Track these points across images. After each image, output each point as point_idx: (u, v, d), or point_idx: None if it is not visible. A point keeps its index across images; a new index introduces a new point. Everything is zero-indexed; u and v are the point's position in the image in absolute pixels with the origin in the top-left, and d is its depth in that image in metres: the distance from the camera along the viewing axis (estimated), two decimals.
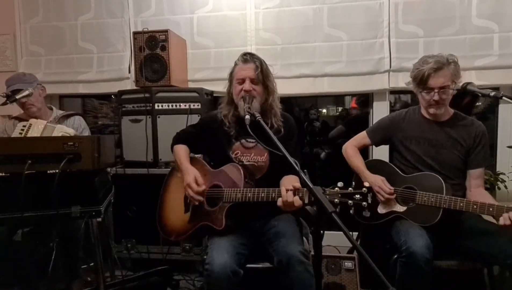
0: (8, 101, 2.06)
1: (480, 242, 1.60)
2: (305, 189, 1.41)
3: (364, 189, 1.33)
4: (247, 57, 1.70)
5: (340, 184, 1.37)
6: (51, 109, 2.33)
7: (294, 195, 1.44)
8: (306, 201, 1.41)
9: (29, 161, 1.54)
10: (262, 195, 1.54)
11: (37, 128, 1.99)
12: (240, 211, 1.61)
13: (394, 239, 1.67)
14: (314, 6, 2.63)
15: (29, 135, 1.97)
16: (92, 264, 1.99)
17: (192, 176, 1.63)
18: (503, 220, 1.48)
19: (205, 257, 1.55)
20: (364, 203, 1.32)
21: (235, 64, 1.73)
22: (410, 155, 1.82)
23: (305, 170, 1.31)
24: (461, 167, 1.77)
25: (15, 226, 1.79)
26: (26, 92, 2.11)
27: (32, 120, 2.05)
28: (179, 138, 1.84)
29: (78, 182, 1.59)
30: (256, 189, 1.56)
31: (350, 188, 1.35)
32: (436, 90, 1.67)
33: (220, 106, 1.81)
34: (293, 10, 2.66)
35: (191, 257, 2.39)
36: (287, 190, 1.45)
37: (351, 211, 1.36)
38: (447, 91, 1.68)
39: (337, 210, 1.32)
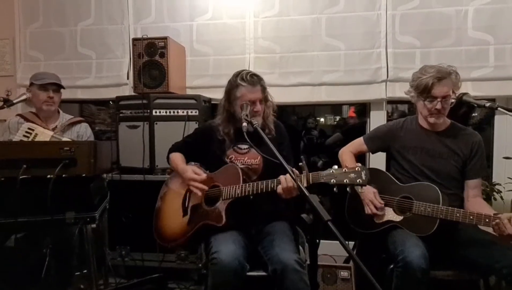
0: (5, 106, 2.05)
1: (476, 252, 1.59)
2: (302, 174, 1.42)
3: (357, 168, 1.38)
4: (255, 79, 1.70)
5: (334, 167, 1.42)
6: (58, 112, 2.33)
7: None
8: (305, 185, 1.42)
9: (24, 166, 1.53)
10: (261, 186, 1.55)
11: (43, 139, 1.99)
12: (240, 208, 1.61)
13: (390, 249, 1.67)
14: (312, 16, 2.65)
15: None
16: (86, 271, 1.97)
17: (190, 171, 1.67)
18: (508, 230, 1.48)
19: (200, 265, 1.53)
20: (359, 180, 1.36)
21: (239, 85, 1.69)
22: (407, 164, 1.82)
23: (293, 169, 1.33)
24: (458, 177, 1.78)
25: (8, 232, 1.77)
26: (24, 96, 2.11)
27: (38, 130, 2.04)
28: (175, 148, 1.87)
29: (73, 187, 1.58)
30: (255, 182, 1.58)
31: (344, 169, 1.40)
32: (439, 99, 1.68)
33: (216, 118, 1.83)
34: (292, 20, 2.68)
35: (186, 265, 2.37)
36: (285, 178, 1.47)
37: (348, 189, 1.45)
38: (448, 100, 1.70)
39: (335, 189, 1.39)
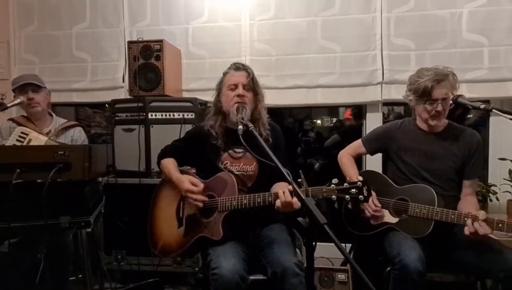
0: None
1: (472, 255, 1.59)
2: (301, 189, 1.38)
3: (358, 183, 1.35)
4: (239, 65, 1.72)
5: (334, 180, 1.40)
6: (51, 115, 2.30)
7: (292, 197, 1.43)
8: None
9: (18, 170, 1.52)
10: (259, 200, 1.52)
11: (37, 144, 1.97)
12: (237, 219, 1.59)
13: (387, 251, 1.67)
14: (308, 19, 2.66)
15: None
16: (81, 276, 1.95)
17: (187, 182, 1.61)
18: (468, 229, 1.52)
19: (197, 269, 1.52)
20: (361, 196, 1.34)
21: (225, 73, 1.74)
22: (405, 166, 1.82)
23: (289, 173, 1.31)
24: (456, 178, 1.78)
25: (2, 237, 1.75)
26: (18, 100, 2.09)
27: (32, 134, 2.01)
28: (165, 153, 1.81)
29: (68, 191, 1.57)
30: (252, 195, 1.55)
31: (345, 184, 1.38)
32: (439, 101, 1.68)
33: (206, 117, 1.80)
34: (288, 22, 2.69)
35: (182, 269, 2.35)
36: (283, 192, 1.44)
37: (349, 206, 1.38)
38: (448, 102, 1.70)
39: (336, 205, 1.37)
